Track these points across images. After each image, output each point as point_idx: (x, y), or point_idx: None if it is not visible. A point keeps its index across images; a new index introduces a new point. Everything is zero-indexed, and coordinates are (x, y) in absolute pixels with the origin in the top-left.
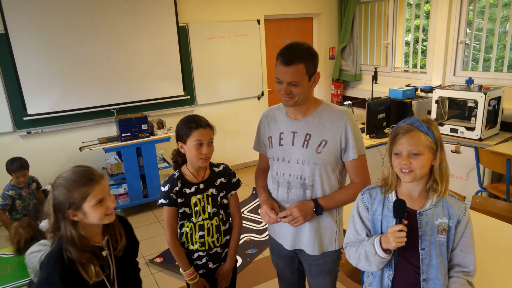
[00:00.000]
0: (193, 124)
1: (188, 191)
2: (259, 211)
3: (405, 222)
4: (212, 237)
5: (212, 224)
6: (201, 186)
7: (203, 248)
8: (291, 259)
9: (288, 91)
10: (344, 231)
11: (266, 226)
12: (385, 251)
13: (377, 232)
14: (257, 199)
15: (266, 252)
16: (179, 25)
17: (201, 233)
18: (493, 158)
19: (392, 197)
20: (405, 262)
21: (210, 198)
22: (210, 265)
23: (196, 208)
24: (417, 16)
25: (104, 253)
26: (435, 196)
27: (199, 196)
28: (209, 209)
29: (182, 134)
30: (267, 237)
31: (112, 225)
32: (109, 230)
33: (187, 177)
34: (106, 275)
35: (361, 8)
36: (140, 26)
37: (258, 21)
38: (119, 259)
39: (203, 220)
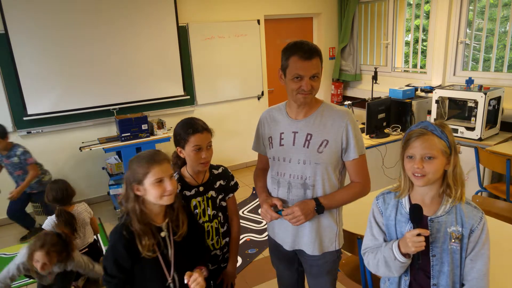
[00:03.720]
0: (190, 130)
1: (188, 193)
2: (259, 211)
3: (428, 231)
4: (212, 239)
5: (212, 226)
6: (201, 188)
7: None
8: (291, 259)
9: (310, 86)
10: (344, 231)
11: (266, 226)
12: (405, 255)
13: (392, 237)
14: (257, 199)
15: (266, 252)
16: (179, 25)
17: None
18: (493, 158)
19: (405, 202)
20: (417, 267)
21: (210, 201)
22: (209, 266)
23: (196, 210)
24: (417, 16)
25: (163, 234)
26: (449, 202)
27: (199, 198)
28: (209, 211)
29: (179, 140)
30: (267, 237)
31: (176, 211)
32: (172, 215)
33: (186, 179)
34: (163, 254)
35: (361, 8)
36: (140, 26)
37: (258, 21)
38: (179, 244)
39: (203, 222)
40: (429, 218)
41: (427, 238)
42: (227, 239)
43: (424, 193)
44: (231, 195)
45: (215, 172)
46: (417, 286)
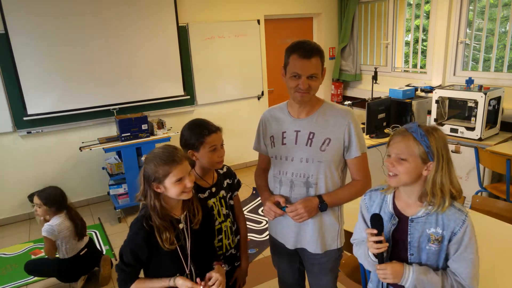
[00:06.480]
0: (206, 131)
1: (202, 196)
2: (260, 210)
3: (382, 238)
4: (228, 238)
5: (227, 226)
6: (213, 189)
7: (221, 252)
8: (293, 258)
9: (307, 85)
10: (345, 230)
11: (266, 226)
12: (375, 255)
13: None
14: (257, 199)
15: (266, 252)
16: (179, 25)
17: (219, 236)
18: (493, 158)
19: (389, 200)
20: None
21: (222, 200)
22: (225, 267)
23: (212, 212)
24: (417, 16)
25: (181, 225)
26: (430, 206)
27: (213, 199)
28: (223, 211)
29: (193, 143)
30: (267, 237)
31: (192, 200)
32: (188, 205)
33: (197, 182)
34: (181, 245)
35: (361, 8)
36: (140, 26)
37: (258, 21)
38: (195, 235)
39: (219, 223)
40: (410, 218)
41: (405, 238)
42: (238, 237)
43: (407, 193)
44: (236, 193)
45: (221, 171)
46: (396, 286)
